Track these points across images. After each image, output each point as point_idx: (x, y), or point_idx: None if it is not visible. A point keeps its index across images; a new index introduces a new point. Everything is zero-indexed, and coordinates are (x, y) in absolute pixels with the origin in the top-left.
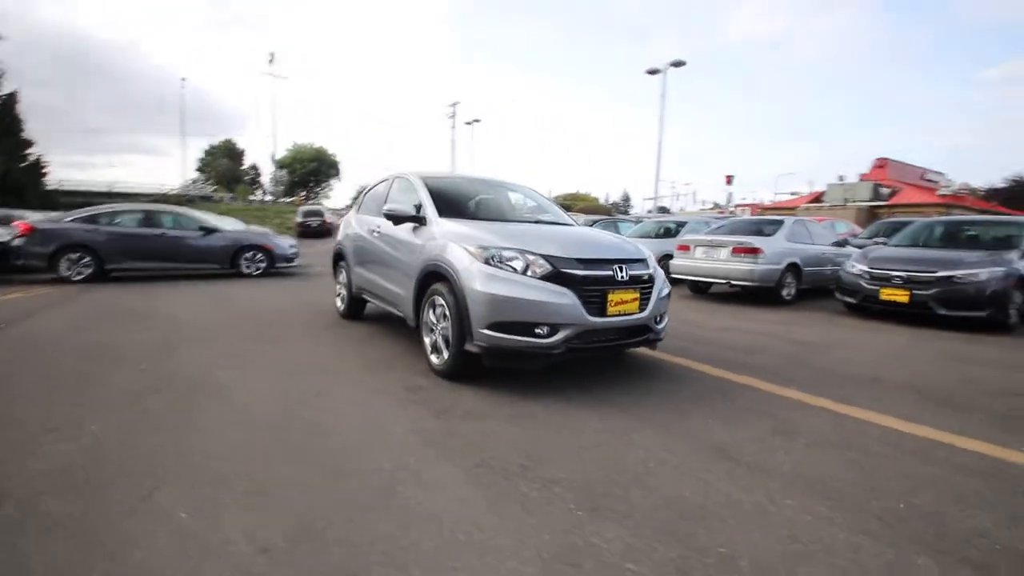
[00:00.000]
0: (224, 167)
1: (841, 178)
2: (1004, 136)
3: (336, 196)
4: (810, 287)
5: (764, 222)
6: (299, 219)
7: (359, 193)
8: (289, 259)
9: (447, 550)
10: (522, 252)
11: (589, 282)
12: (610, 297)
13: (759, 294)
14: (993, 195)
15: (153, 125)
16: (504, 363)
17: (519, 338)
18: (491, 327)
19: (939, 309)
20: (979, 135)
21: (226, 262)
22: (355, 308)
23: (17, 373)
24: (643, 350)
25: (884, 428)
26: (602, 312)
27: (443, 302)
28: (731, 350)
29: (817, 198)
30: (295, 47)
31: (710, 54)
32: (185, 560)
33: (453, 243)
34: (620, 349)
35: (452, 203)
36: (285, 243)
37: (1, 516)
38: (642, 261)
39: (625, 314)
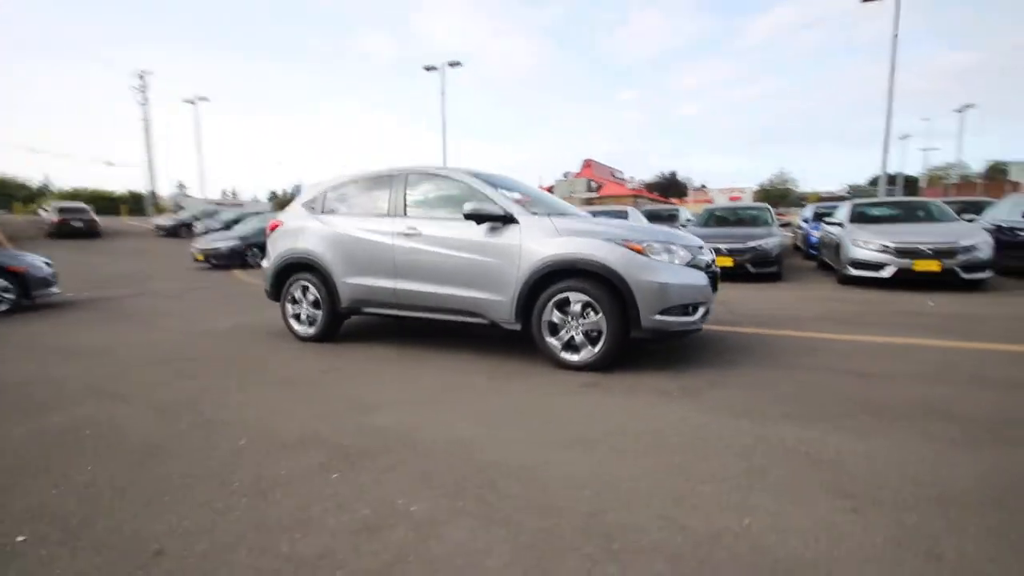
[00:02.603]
0: None
1: (565, 175)
2: (638, 143)
3: None
4: None
5: (613, 212)
6: None
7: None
8: (49, 283)
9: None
10: (667, 244)
11: (709, 265)
12: (718, 276)
13: None
14: (652, 188)
15: None
16: (661, 344)
17: (678, 319)
18: (662, 312)
19: (752, 269)
20: (622, 141)
21: None
22: (335, 326)
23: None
24: None
25: (889, 343)
26: (715, 289)
27: (584, 298)
28: None
29: (549, 190)
30: None
31: (417, 57)
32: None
33: (587, 239)
34: None
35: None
36: (38, 260)
37: None
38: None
39: (716, 289)
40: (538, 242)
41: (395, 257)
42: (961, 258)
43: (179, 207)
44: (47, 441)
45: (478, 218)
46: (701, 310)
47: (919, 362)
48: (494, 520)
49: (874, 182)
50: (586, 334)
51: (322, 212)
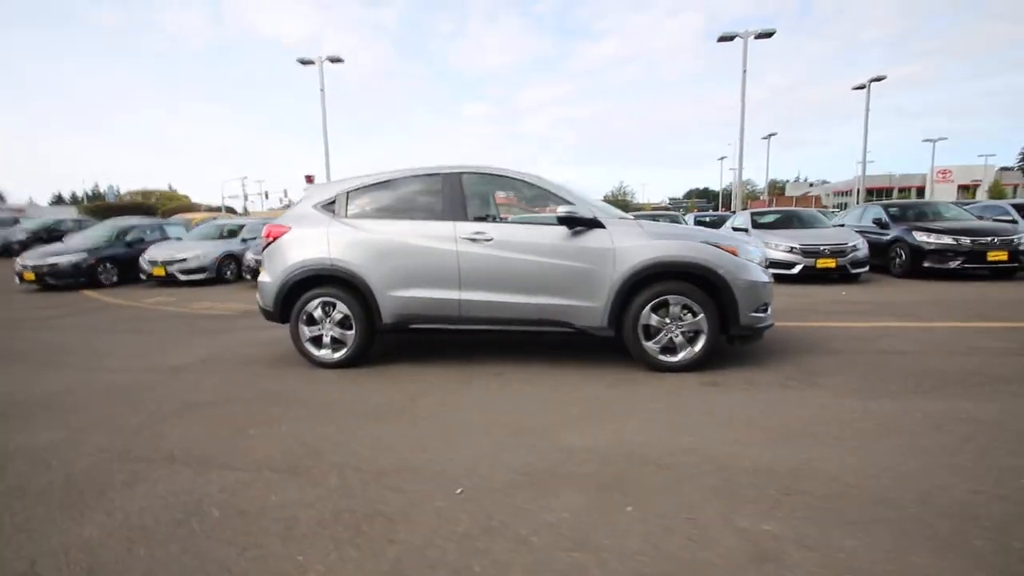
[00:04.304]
0: None
1: None
2: (487, 153)
3: None
4: None
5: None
6: None
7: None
8: None
9: None
10: (748, 245)
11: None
12: None
13: None
14: None
15: None
16: (751, 342)
17: (764, 315)
18: (756, 310)
19: None
20: (473, 151)
21: None
22: (368, 348)
23: None
24: None
25: (879, 327)
26: None
27: (682, 300)
28: None
29: None
30: None
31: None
32: None
33: (682, 241)
34: None
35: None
36: None
37: None
38: None
39: None
40: (633, 246)
41: (460, 265)
42: (849, 256)
43: None
44: (164, 533)
45: (570, 222)
46: (771, 307)
47: (923, 341)
48: (858, 522)
49: (690, 195)
50: (686, 334)
51: (347, 216)
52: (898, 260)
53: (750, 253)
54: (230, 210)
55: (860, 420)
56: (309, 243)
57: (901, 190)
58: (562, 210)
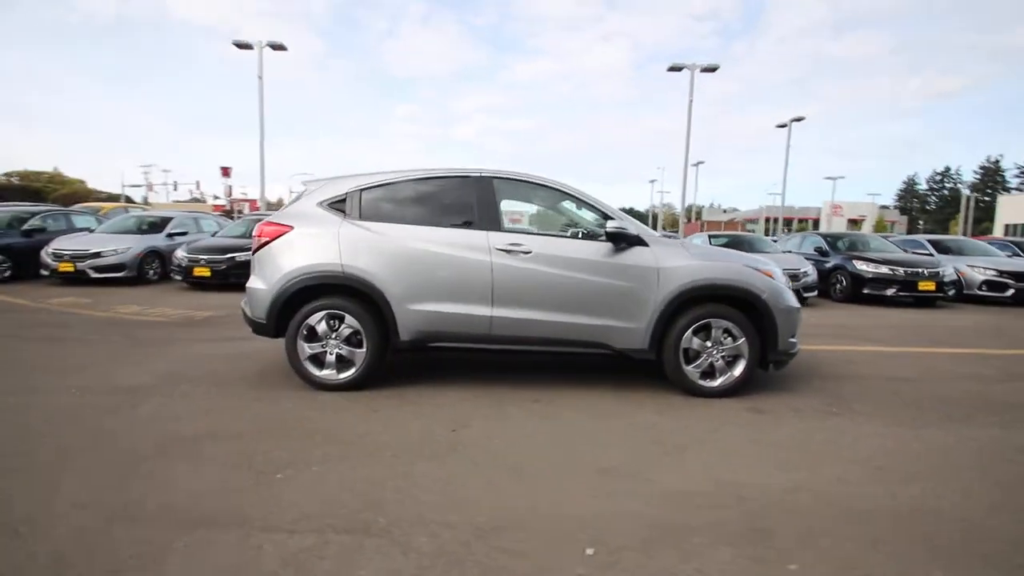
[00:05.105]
0: None
1: None
2: (415, 158)
3: None
4: None
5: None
6: None
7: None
8: None
9: None
10: (779, 269)
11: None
12: None
13: None
14: None
15: None
16: (782, 367)
17: (795, 340)
18: (792, 335)
19: None
20: (399, 155)
21: None
22: (379, 367)
23: None
24: None
25: (865, 351)
26: None
27: (724, 323)
28: None
29: None
30: None
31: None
32: None
33: (725, 263)
34: None
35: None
36: None
37: None
38: None
39: None
40: (678, 266)
41: (494, 279)
42: (802, 281)
43: None
44: None
45: (617, 238)
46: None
47: (915, 367)
48: None
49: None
50: (727, 358)
51: (361, 217)
52: (839, 286)
53: (782, 278)
54: (128, 200)
55: (924, 451)
56: (315, 246)
57: (801, 220)
58: (611, 225)
